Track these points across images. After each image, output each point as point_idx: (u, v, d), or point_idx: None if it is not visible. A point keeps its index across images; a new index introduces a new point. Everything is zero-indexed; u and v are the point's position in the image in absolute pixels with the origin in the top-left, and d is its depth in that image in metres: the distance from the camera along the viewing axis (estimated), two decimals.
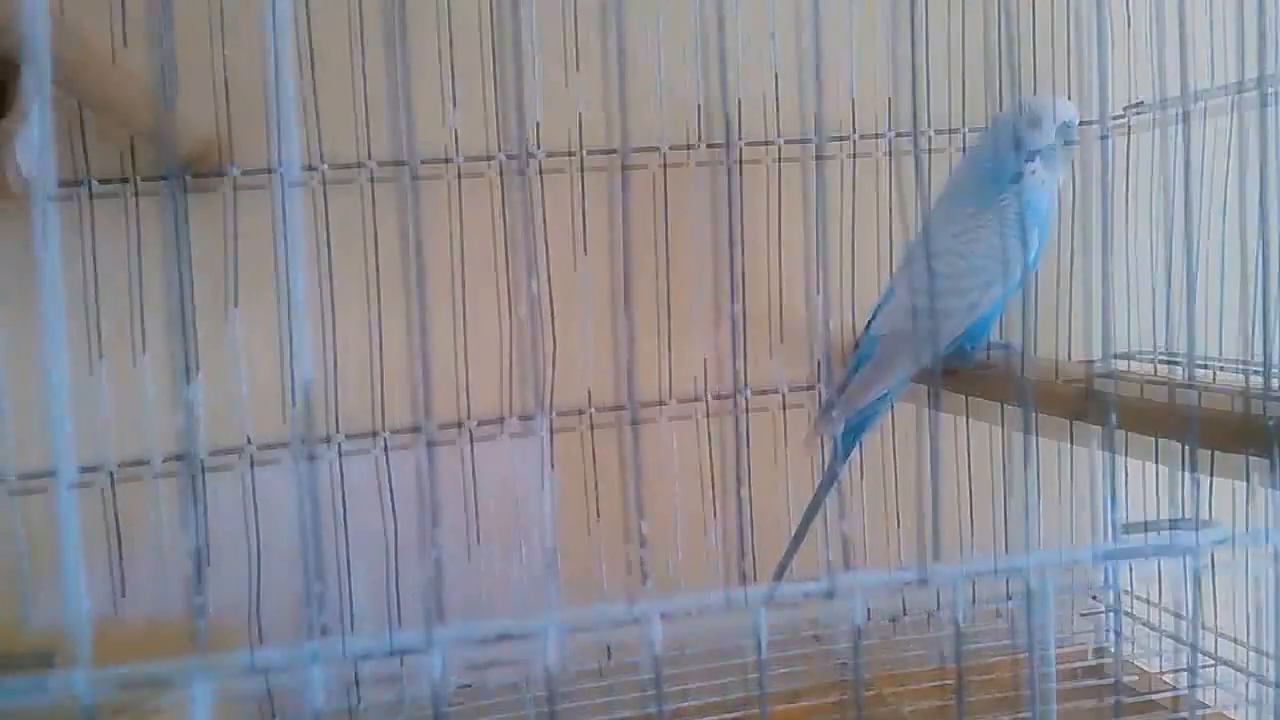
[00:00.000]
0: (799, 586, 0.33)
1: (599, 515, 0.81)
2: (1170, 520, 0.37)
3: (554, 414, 0.80)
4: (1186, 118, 0.38)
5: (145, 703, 0.45)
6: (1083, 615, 0.87)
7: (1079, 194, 0.84)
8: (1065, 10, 0.85)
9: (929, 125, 0.83)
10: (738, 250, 0.81)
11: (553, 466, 0.80)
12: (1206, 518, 0.37)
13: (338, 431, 0.78)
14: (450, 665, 0.31)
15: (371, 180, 0.77)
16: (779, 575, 0.74)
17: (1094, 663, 0.79)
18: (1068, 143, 0.72)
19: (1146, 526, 0.37)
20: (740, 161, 0.81)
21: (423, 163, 0.77)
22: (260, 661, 0.28)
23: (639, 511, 0.33)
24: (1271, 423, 0.36)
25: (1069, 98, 0.85)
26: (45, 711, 0.27)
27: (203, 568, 0.30)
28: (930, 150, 0.84)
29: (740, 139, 0.81)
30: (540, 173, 0.79)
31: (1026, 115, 0.72)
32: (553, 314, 0.80)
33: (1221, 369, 0.76)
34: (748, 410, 0.83)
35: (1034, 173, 0.71)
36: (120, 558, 0.74)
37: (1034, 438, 0.35)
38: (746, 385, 0.83)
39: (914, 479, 0.85)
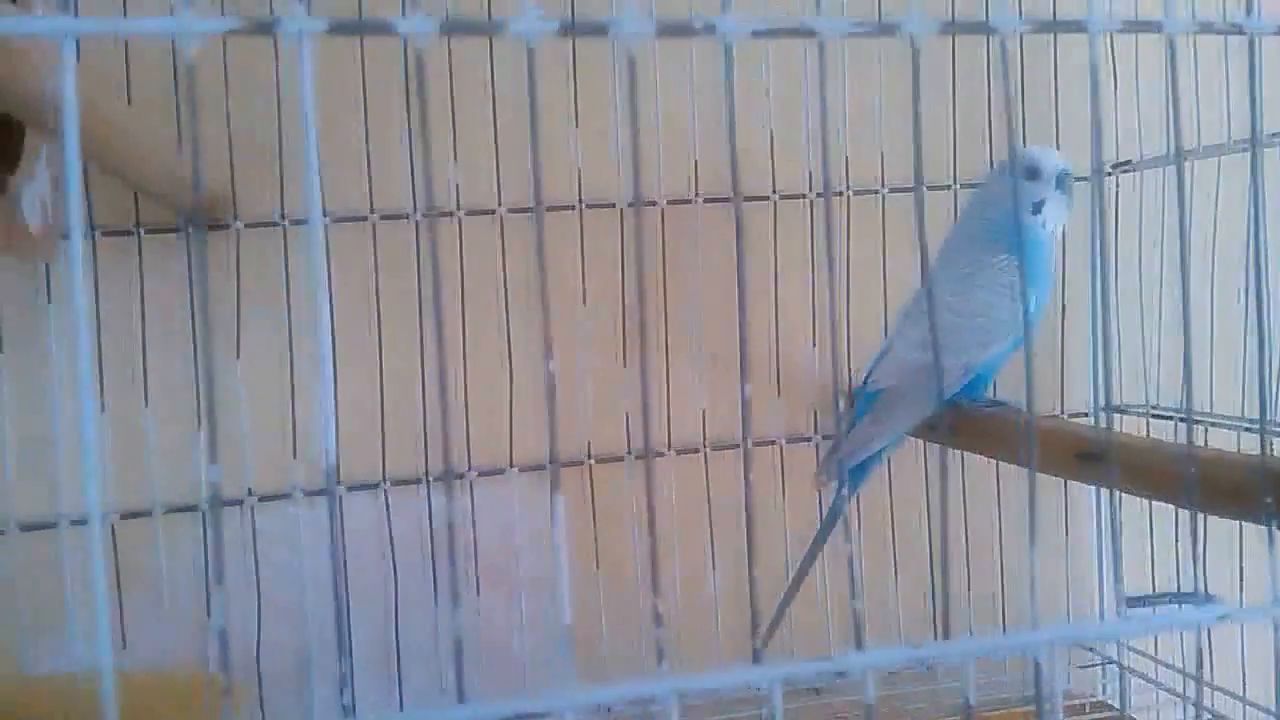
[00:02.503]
0: (810, 665, 0.34)
1: (598, 566, 0.81)
2: (1174, 594, 0.38)
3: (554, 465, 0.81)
4: (1180, 178, 0.39)
5: None
6: (1080, 668, 0.87)
7: (1070, 250, 0.85)
8: (1053, 67, 0.87)
9: (922, 181, 0.84)
10: (744, 321, 0.82)
11: (553, 523, 0.81)
12: (1206, 591, 0.38)
13: (338, 483, 0.78)
14: None
15: (374, 230, 0.78)
16: (772, 629, 0.74)
17: (1092, 716, 0.80)
18: (1064, 191, 0.71)
19: (1151, 600, 0.38)
20: (738, 215, 0.83)
21: (426, 215, 0.78)
22: None
23: (654, 590, 0.33)
24: (1270, 500, 0.37)
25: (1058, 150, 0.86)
26: None
27: (228, 646, 0.30)
28: (923, 204, 0.85)
29: (737, 194, 0.82)
30: (540, 227, 0.80)
31: (1025, 167, 0.71)
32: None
33: (1214, 425, 0.77)
34: (745, 475, 0.83)
35: (1044, 225, 0.71)
36: (121, 606, 0.74)
37: (1036, 512, 0.36)
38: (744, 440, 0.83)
39: (910, 533, 0.85)
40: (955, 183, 0.85)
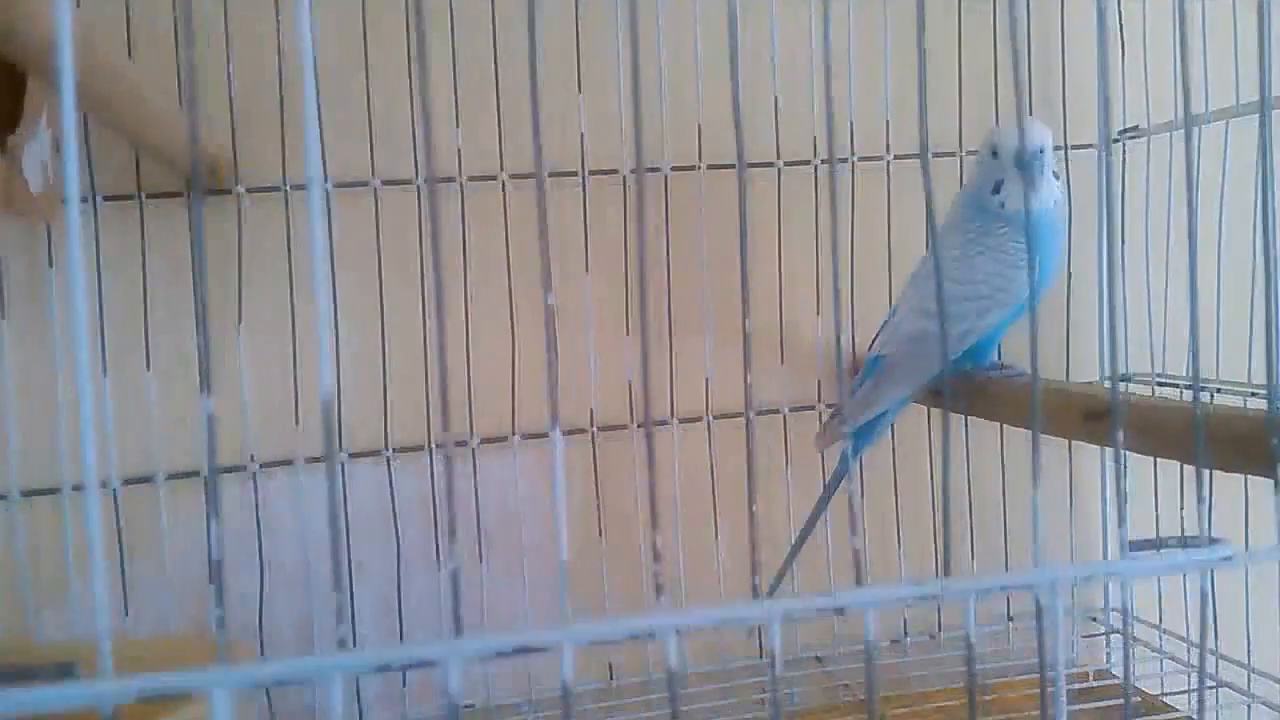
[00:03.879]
0: (810, 601, 0.34)
1: (602, 532, 0.81)
2: (1180, 538, 0.37)
3: (559, 430, 0.81)
4: (1189, 137, 0.39)
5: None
6: (1084, 637, 0.87)
7: (1079, 218, 0.85)
8: (1060, 34, 0.86)
9: (928, 148, 0.84)
10: (746, 274, 0.82)
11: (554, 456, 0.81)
12: (1210, 535, 0.38)
13: (341, 449, 0.78)
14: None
15: (376, 196, 0.77)
16: (776, 585, 0.74)
17: (1096, 684, 0.79)
18: (1023, 170, 0.67)
19: (1155, 544, 0.37)
20: (742, 182, 0.82)
21: (425, 181, 0.78)
22: (282, 672, 0.28)
23: (653, 525, 0.33)
24: (1276, 442, 0.37)
25: (1063, 119, 0.85)
26: None
27: (222, 581, 0.30)
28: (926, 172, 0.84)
29: (741, 160, 0.82)
30: (542, 190, 0.80)
31: (989, 145, 0.71)
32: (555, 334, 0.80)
33: (1220, 390, 0.77)
34: (749, 425, 0.83)
35: (1002, 205, 0.70)
36: (124, 574, 0.74)
37: (1040, 459, 0.36)
38: (749, 407, 0.83)
39: (914, 496, 0.85)
40: (961, 149, 0.85)
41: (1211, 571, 0.37)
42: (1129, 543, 0.38)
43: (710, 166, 0.81)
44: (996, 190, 0.70)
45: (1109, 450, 0.78)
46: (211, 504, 0.30)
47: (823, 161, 0.83)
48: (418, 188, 0.78)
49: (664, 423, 0.82)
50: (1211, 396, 0.76)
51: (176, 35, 0.73)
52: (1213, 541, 0.37)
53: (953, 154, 0.85)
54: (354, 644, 0.77)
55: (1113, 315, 0.39)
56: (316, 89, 0.75)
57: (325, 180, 0.76)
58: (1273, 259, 0.41)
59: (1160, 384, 0.83)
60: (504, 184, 0.79)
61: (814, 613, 0.33)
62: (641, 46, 0.80)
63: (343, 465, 0.77)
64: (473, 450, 0.79)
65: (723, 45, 0.81)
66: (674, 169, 0.81)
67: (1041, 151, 0.68)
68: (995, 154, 0.70)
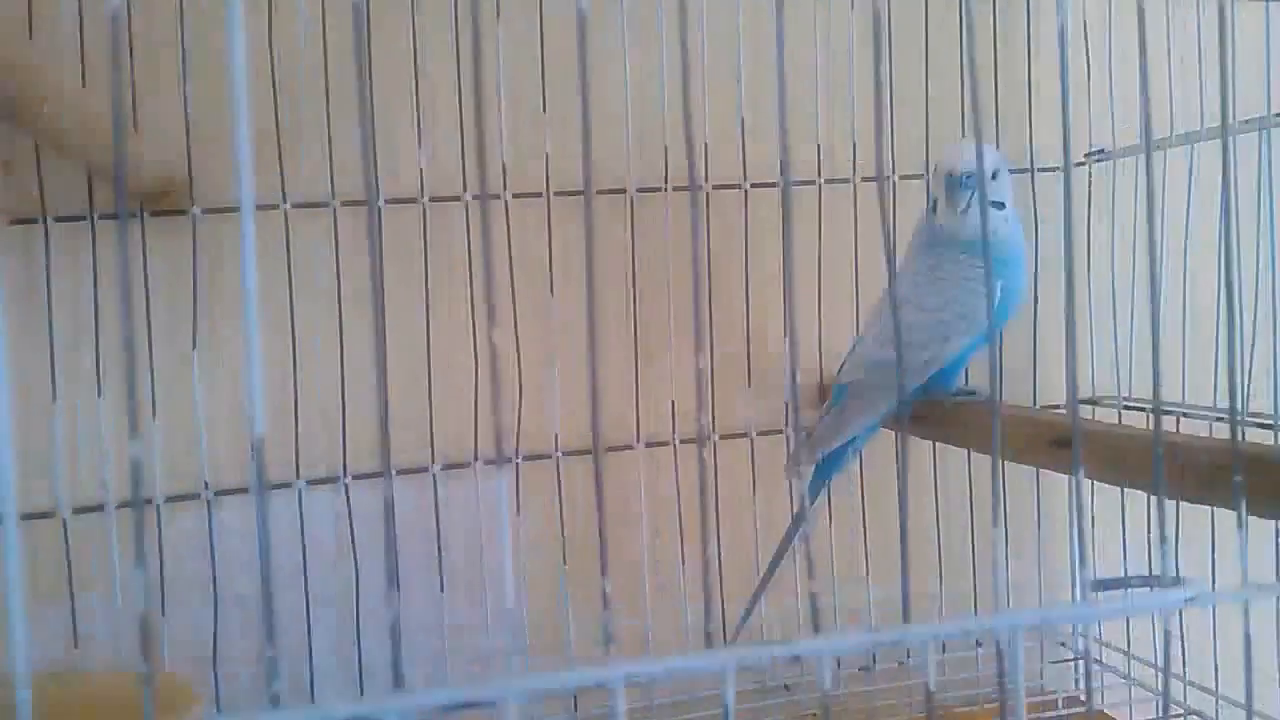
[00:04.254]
0: (766, 650, 0.33)
1: (566, 559, 0.79)
2: (1143, 577, 0.37)
3: (521, 457, 0.79)
4: (1149, 163, 0.38)
5: None
6: (1053, 663, 0.86)
7: (1045, 240, 0.85)
8: (1026, 56, 0.86)
9: (893, 170, 0.83)
10: (705, 299, 0.81)
11: (518, 513, 0.79)
12: (1176, 574, 0.37)
13: (298, 477, 0.76)
14: None
15: (335, 217, 0.76)
16: (744, 619, 0.73)
17: (1065, 712, 0.79)
18: (958, 192, 0.68)
19: (1119, 583, 0.36)
20: (707, 205, 0.81)
21: (389, 201, 0.77)
22: None
23: (603, 572, 0.32)
24: (1238, 479, 0.36)
25: (1030, 142, 0.86)
26: None
27: (153, 632, 0.28)
28: (894, 195, 0.84)
29: (708, 182, 0.81)
30: (507, 214, 0.78)
31: (935, 166, 0.71)
32: (519, 356, 0.78)
33: (1186, 415, 0.77)
34: (715, 465, 0.82)
35: (940, 225, 0.70)
36: (73, 604, 0.72)
37: (1001, 496, 0.35)
38: (714, 431, 0.82)
39: (884, 524, 0.84)
40: (929, 173, 0.84)
41: (1180, 611, 0.36)
42: (1094, 581, 0.37)
43: (675, 189, 0.81)
44: (934, 209, 0.70)
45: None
46: (139, 542, 0.28)
47: (802, 182, 0.82)
48: (371, 209, 0.76)
49: (629, 448, 0.81)
50: (1177, 421, 0.76)
51: (132, 52, 0.71)
52: (1178, 581, 0.36)
53: (920, 176, 0.84)
54: (313, 678, 0.75)
55: (1072, 343, 0.38)
56: (286, 101, 0.74)
57: (284, 201, 0.75)
58: (1234, 283, 0.40)
59: (1126, 407, 0.82)
60: (466, 205, 0.78)
61: (768, 661, 0.32)
62: (605, 70, 0.79)
63: (300, 493, 0.76)
64: (433, 476, 0.78)
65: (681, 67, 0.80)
66: (640, 190, 0.80)
67: (968, 176, 0.67)
68: (936, 173, 0.70)
